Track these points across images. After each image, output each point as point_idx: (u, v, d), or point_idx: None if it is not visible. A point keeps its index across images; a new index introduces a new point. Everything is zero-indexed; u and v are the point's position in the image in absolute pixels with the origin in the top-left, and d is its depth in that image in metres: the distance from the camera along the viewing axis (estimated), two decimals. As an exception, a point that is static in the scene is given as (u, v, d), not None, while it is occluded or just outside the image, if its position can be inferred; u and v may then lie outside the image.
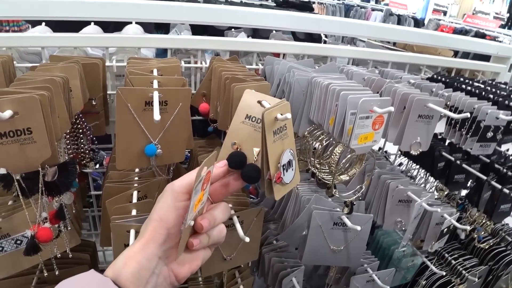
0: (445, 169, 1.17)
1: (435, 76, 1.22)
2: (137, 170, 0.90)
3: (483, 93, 1.08)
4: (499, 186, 1.05)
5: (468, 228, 0.98)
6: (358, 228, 0.77)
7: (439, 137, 1.34)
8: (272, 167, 0.55)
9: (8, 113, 0.54)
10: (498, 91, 1.11)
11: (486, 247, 1.23)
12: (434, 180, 1.33)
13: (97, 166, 1.23)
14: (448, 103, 0.98)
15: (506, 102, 1.03)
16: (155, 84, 0.75)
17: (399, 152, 1.33)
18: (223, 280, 0.93)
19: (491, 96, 1.06)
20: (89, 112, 0.93)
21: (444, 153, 1.17)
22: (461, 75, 1.36)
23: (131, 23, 1.33)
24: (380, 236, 1.17)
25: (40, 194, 0.65)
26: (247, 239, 0.70)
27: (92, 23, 1.30)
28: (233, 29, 1.38)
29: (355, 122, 0.68)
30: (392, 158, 1.45)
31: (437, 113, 0.84)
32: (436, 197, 1.36)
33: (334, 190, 0.79)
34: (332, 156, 0.74)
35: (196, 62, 1.04)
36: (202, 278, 1.11)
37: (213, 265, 0.81)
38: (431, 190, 1.35)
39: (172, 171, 0.90)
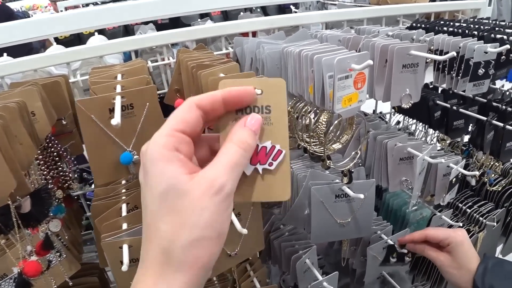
0: (442, 118, 1.12)
1: (414, 24, 1.16)
2: (123, 182, 0.85)
3: (467, 31, 1.02)
4: (501, 124, 1.00)
5: (477, 173, 0.93)
6: (361, 196, 0.72)
7: (431, 86, 1.29)
8: None
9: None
10: (482, 27, 1.05)
11: (499, 189, 1.18)
12: (433, 131, 1.28)
13: (91, 186, 1.18)
14: (432, 47, 0.92)
15: (492, 35, 0.97)
16: (118, 89, 0.69)
17: (393, 110, 1.27)
18: (234, 276, 0.88)
19: (476, 32, 1.00)
20: (62, 132, 0.88)
21: (439, 102, 1.12)
22: (440, 18, 1.29)
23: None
24: (389, 199, 1.12)
25: (17, 228, 0.61)
26: (245, 231, 0.65)
27: (55, 43, 1.25)
28: (199, 19, 1.32)
29: (335, 85, 0.63)
30: (387, 118, 1.40)
31: (422, 60, 0.79)
32: (439, 148, 1.31)
33: (329, 161, 0.73)
34: (319, 126, 0.69)
35: (163, 59, 0.98)
36: (215, 278, 1.07)
37: (219, 264, 0.76)
38: (432, 143, 1.30)
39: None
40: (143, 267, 0.36)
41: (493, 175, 1.19)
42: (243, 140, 0.38)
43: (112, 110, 0.64)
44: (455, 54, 0.69)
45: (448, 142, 1.24)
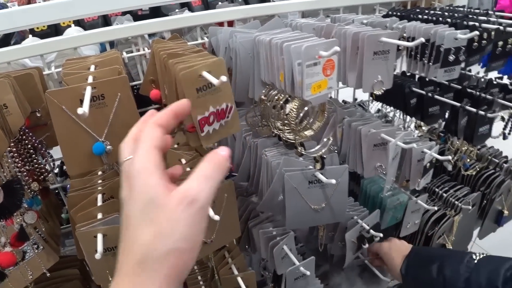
0: (418, 105, 1.14)
1: (389, 12, 1.18)
2: (100, 173, 0.86)
3: (440, 18, 1.04)
4: (474, 110, 1.02)
5: (450, 158, 0.95)
6: (333, 181, 0.73)
7: (408, 74, 1.31)
8: (194, 120, 0.60)
9: None
10: (455, 14, 1.07)
11: (474, 173, 1.21)
12: (411, 118, 1.31)
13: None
14: (405, 34, 0.94)
15: (465, 22, 0.99)
16: (90, 80, 0.70)
17: (371, 98, 1.29)
18: (212, 264, 0.90)
19: (449, 20, 1.02)
20: (37, 125, 0.88)
21: (414, 89, 1.14)
22: (417, 6, 1.31)
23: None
24: (366, 186, 1.14)
25: (-10, 219, 0.61)
26: (217, 217, 0.66)
27: (30, 36, 1.24)
28: (176, 10, 1.32)
29: (303, 72, 0.64)
30: (367, 106, 1.42)
31: (393, 47, 0.80)
32: (418, 134, 1.34)
33: (300, 147, 0.75)
34: (290, 113, 0.70)
35: (138, 50, 0.98)
36: (196, 267, 1.09)
37: (196, 252, 0.77)
38: (410, 130, 1.32)
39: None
40: (120, 275, 0.37)
41: (468, 160, 1.22)
42: (214, 159, 0.41)
43: (83, 101, 0.64)
44: (423, 40, 0.70)
45: (426, 129, 1.27)
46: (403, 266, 1.00)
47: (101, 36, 0.94)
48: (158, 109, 0.99)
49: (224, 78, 0.55)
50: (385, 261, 1.08)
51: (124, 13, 1.49)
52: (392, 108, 1.36)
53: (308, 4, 1.10)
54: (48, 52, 0.94)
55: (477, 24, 0.96)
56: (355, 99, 1.32)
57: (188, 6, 1.87)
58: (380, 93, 0.81)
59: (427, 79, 1.26)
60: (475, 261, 0.88)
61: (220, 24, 1.05)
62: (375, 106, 1.43)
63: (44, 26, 1.59)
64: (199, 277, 1.08)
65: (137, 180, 0.38)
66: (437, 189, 1.21)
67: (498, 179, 1.26)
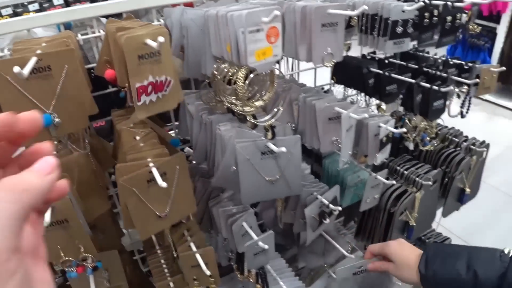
0: (376, 84, 1.18)
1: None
2: (54, 153, 0.87)
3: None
4: (428, 85, 1.07)
5: (405, 130, 1.00)
6: (283, 149, 0.76)
7: (369, 57, 1.36)
8: (132, 87, 0.60)
9: None
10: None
11: (432, 149, 1.26)
12: (369, 100, 1.35)
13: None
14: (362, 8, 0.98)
15: (415, -1, 1.03)
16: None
17: (332, 81, 1.33)
18: (169, 240, 0.91)
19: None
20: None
21: (372, 69, 1.18)
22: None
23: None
24: (328, 165, 1.18)
25: None
26: (165, 184, 0.68)
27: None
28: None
29: (246, 38, 0.67)
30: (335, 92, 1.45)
31: (341, 19, 0.83)
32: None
33: (249, 117, 0.77)
34: (237, 82, 0.73)
35: (93, 32, 1.00)
36: (159, 250, 1.10)
37: (150, 226, 0.79)
38: (371, 111, 1.37)
39: (88, 144, 0.87)
40: None
41: (428, 138, 1.26)
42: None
43: (30, 72, 0.66)
44: (366, 8, 0.74)
45: (385, 108, 1.31)
46: (422, 263, 0.91)
47: (55, 17, 0.95)
48: (116, 92, 1.00)
49: (160, 38, 0.57)
50: (394, 260, 1.00)
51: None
52: (355, 91, 1.41)
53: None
54: (1, 33, 0.94)
55: (427, 0, 1.01)
56: (322, 88, 1.36)
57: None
58: (330, 65, 0.85)
59: (386, 61, 1.31)
60: (510, 256, 0.82)
61: (176, 6, 1.07)
62: (340, 93, 1.47)
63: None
64: (162, 260, 1.10)
65: None
66: (398, 168, 1.25)
67: (458, 157, 1.31)
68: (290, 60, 1.39)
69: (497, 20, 3.40)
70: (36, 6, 1.78)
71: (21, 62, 0.66)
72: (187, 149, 1.27)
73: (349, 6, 0.98)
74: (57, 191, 0.35)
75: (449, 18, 1.01)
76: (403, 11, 0.89)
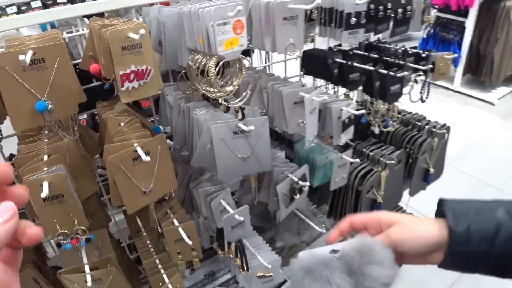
0: (340, 73, 1.31)
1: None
2: (45, 141, 0.97)
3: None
4: (385, 72, 1.20)
5: (364, 112, 1.13)
6: (252, 127, 0.88)
7: (335, 49, 1.49)
8: (116, 75, 0.72)
9: None
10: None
11: (392, 130, 1.39)
12: (334, 87, 1.49)
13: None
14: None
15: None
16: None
17: (301, 72, 1.46)
18: (154, 216, 1.02)
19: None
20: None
21: (336, 59, 1.31)
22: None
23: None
24: (298, 149, 1.30)
25: None
26: (148, 158, 0.80)
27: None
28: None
29: (215, 30, 0.79)
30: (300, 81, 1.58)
31: (300, 12, 0.96)
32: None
33: (221, 100, 0.89)
34: (209, 69, 0.85)
35: (78, 30, 1.10)
36: (144, 231, 1.21)
37: (136, 201, 0.90)
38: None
39: (77, 131, 0.98)
40: None
41: (391, 122, 1.40)
42: None
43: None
44: (319, 2, 0.87)
45: (352, 97, 1.44)
46: (449, 216, 0.67)
47: (42, 17, 1.05)
48: (101, 86, 1.10)
49: (142, 31, 0.69)
50: (396, 221, 0.70)
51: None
52: (323, 81, 1.54)
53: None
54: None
55: (380, -5, 1.15)
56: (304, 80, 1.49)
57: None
58: (292, 54, 0.97)
59: (350, 52, 1.44)
60: None
61: (153, 5, 1.19)
62: (310, 83, 1.60)
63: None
64: (148, 241, 1.21)
65: None
66: (364, 150, 1.39)
67: (420, 139, 1.45)
68: (263, 53, 1.52)
69: (465, 14, 3.60)
70: (38, 3, 1.91)
71: (18, 55, 0.77)
72: (168, 141, 1.39)
73: (308, 1, 1.12)
74: (27, 237, 0.38)
75: (400, 10, 1.15)
76: (356, 4, 1.02)
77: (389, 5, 1.16)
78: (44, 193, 0.76)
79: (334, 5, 1.04)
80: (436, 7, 3.66)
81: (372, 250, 0.64)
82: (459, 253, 0.64)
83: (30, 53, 0.73)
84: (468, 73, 4.00)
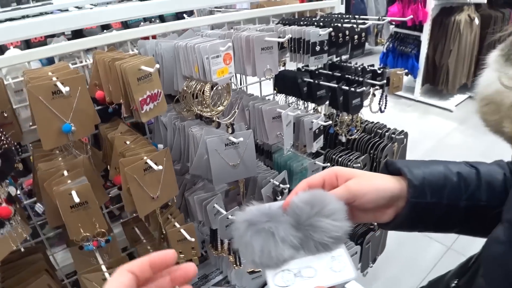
0: (309, 91, 1.56)
1: (280, 22, 1.60)
2: (60, 159, 1.16)
3: (315, 23, 1.48)
4: (347, 88, 1.46)
5: (331, 122, 1.37)
6: (241, 139, 1.11)
7: (303, 70, 1.74)
8: (136, 101, 0.90)
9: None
10: (326, 19, 1.52)
11: (356, 137, 1.65)
12: (305, 104, 1.73)
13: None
14: (288, 35, 1.36)
15: (332, 24, 1.43)
16: (54, 79, 1.01)
17: (275, 91, 1.70)
18: (159, 220, 1.22)
19: (322, 23, 1.46)
20: (4, 123, 1.15)
21: (305, 78, 1.56)
22: (303, 16, 1.76)
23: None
24: (277, 158, 1.53)
25: (-7, 183, 0.90)
26: (160, 167, 1.00)
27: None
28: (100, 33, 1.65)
29: (210, 62, 1.01)
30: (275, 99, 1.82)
31: (274, 43, 1.20)
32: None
33: (215, 118, 1.11)
34: (204, 93, 1.07)
35: (81, 62, 1.30)
36: (143, 238, 1.40)
37: (146, 206, 1.10)
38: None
39: (89, 150, 1.17)
40: None
41: (355, 131, 1.66)
42: None
43: (54, 93, 0.96)
44: (290, 35, 1.11)
45: (321, 111, 1.69)
46: (407, 172, 0.69)
47: (49, 52, 1.25)
48: (103, 109, 1.29)
49: (157, 66, 0.90)
50: (351, 174, 0.69)
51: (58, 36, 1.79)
52: (294, 98, 1.78)
53: (214, 19, 1.49)
54: (9, 65, 1.22)
55: (339, 24, 1.41)
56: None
57: (108, 28, 2.20)
58: (270, 78, 1.21)
59: (316, 72, 1.70)
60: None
61: (146, 38, 1.40)
62: (282, 101, 1.84)
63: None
64: (149, 247, 1.40)
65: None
66: (334, 156, 1.64)
67: (382, 144, 1.71)
68: (239, 76, 1.76)
69: (420, 29, 3.99)
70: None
71: (48, 86, 0.96)
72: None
73: (281, 33, 1.36)
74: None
75: (356, 36, 1.41)
76: (319, 35, 1.27)
77: (347, 32, 1.42)
78: (76, 200, 0.95)
79: (302, 36, 1.28)
80: (394, 23, 4.03)
81: (323, 201, 0.62)
82: (416, 205, 0.68)
83: (61, 85, 0.93)
84: (426, 83, 4.39)
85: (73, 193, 0.98)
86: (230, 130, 1.13)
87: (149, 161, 1.04)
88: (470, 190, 0.70)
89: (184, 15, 2.08)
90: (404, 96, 4.43)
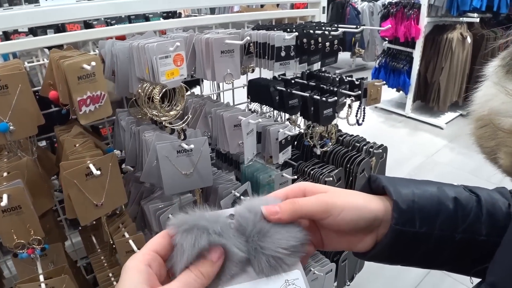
0: (281, 100, 1.48)
1: (255, 28, 1.53)
2: (5, 160, 1.08)
3: (288, 29, 1.41)
4: (318, 97, 1.38)
5: (297, 132, 1.29)
6: (192, 146, 1.03)
7: (279, 78, 1.67)
8: (74, 101, 0.84)
9: None
10: (300, 26, 1.45)
11: (331, 150, 1.57)
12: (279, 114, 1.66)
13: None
14: (255, 40, 1.29)
15: (304, 30, 1.36)
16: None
17: (248, 99, 1.63)
18: (106, 229, 1.14)
19: (294, 30, 1.39)
20: None
21: (277, 87, 1.48)
22: (280, 23, 1.69)
23: None
24: (244, 169, 1.45)
25: None
26: (98, 172, 0.92)
27: None
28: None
29: (158, 62, 0.94)
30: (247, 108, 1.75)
31: (236, 47, 1.13)
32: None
33: (166, 123, 1.04)
34: (154, 96, 0.99)
35: (38, 61, 1.23)
36: (98, 248, 1.32)
37: (88, 213, 1.02)
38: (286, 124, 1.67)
39: (35, 151, 1.10)
40: None
41: (330, 144, 1.58)
42: (200, 267, 0.45)
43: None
44: (249, 39, 1.04)
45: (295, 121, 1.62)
46: (388, 184, 0.58)
47: (6, 48, 1.18)
48: (59, 111, 1.21)
49: (93, 63, 0.83)
50: (321, 189, 0.57)
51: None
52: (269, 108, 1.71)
53: (183, 22, 1.42)
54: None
55: (311, 31, 1.34)
56: (249, 108, 1.65)
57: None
58: (230, 83, 1.14)
59: (292, 81, 1.62)
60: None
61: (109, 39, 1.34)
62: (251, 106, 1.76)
63: None
64: (102, 257, 1.31)
65: (126, 275, 0.44)
66: (306, 169, 1.55)
67: (359, 158, 1.63)
68: (215, 82, 1.69)
69: (412, 45, 3.94)
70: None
71: (-17, 84, 0.89)
72: (128, 167, 1.51)
73: (249, 35, 1.29)
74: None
75: (327, 44, 1.34)
76: (285, 39, 1.20)
77: (320, 39, 1.35)
78: (4, 203, 0.87)
79: (266, 40, 1.21)
80: (387, 39, 3.98)
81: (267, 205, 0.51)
82: (401, 234, 0.55)
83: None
84: (417, 99, 4.32)
85: (4, 196, 0.90)
86: (182, 136, 1.05)
87: (90, 166, 0.96)
88: (469, 221, 0.57)
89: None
90: (395, 111, 4.37)
